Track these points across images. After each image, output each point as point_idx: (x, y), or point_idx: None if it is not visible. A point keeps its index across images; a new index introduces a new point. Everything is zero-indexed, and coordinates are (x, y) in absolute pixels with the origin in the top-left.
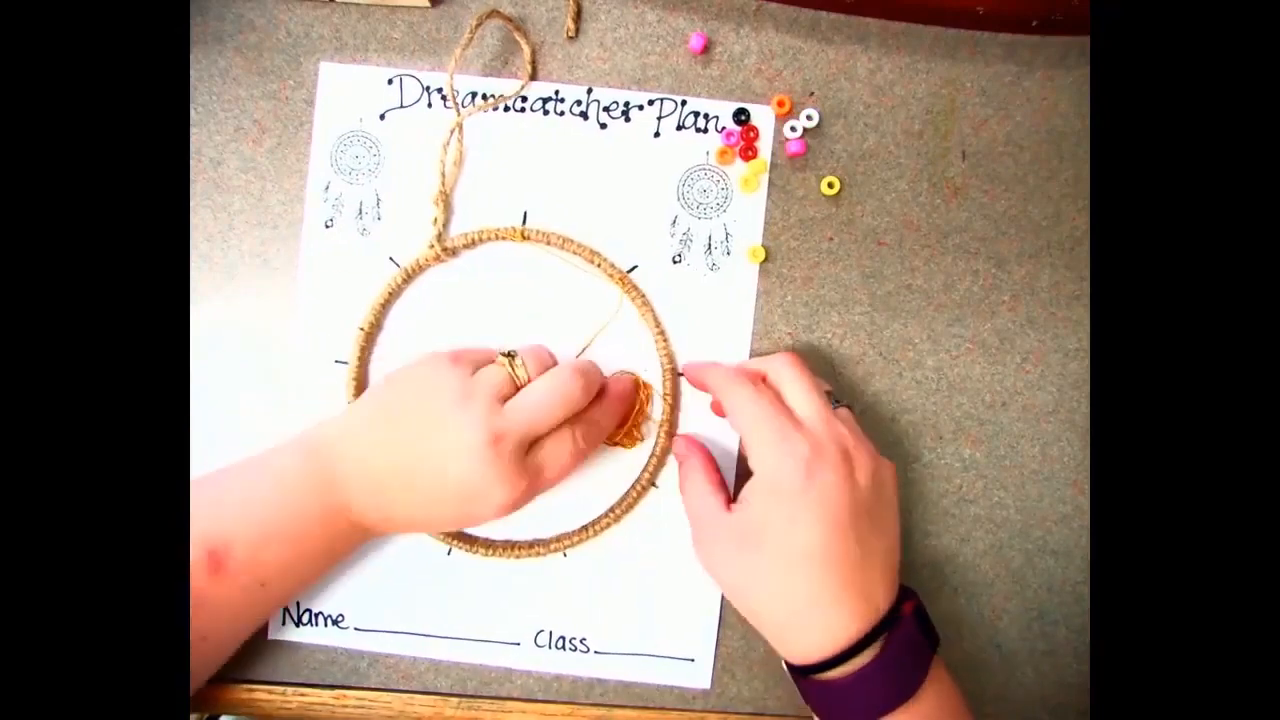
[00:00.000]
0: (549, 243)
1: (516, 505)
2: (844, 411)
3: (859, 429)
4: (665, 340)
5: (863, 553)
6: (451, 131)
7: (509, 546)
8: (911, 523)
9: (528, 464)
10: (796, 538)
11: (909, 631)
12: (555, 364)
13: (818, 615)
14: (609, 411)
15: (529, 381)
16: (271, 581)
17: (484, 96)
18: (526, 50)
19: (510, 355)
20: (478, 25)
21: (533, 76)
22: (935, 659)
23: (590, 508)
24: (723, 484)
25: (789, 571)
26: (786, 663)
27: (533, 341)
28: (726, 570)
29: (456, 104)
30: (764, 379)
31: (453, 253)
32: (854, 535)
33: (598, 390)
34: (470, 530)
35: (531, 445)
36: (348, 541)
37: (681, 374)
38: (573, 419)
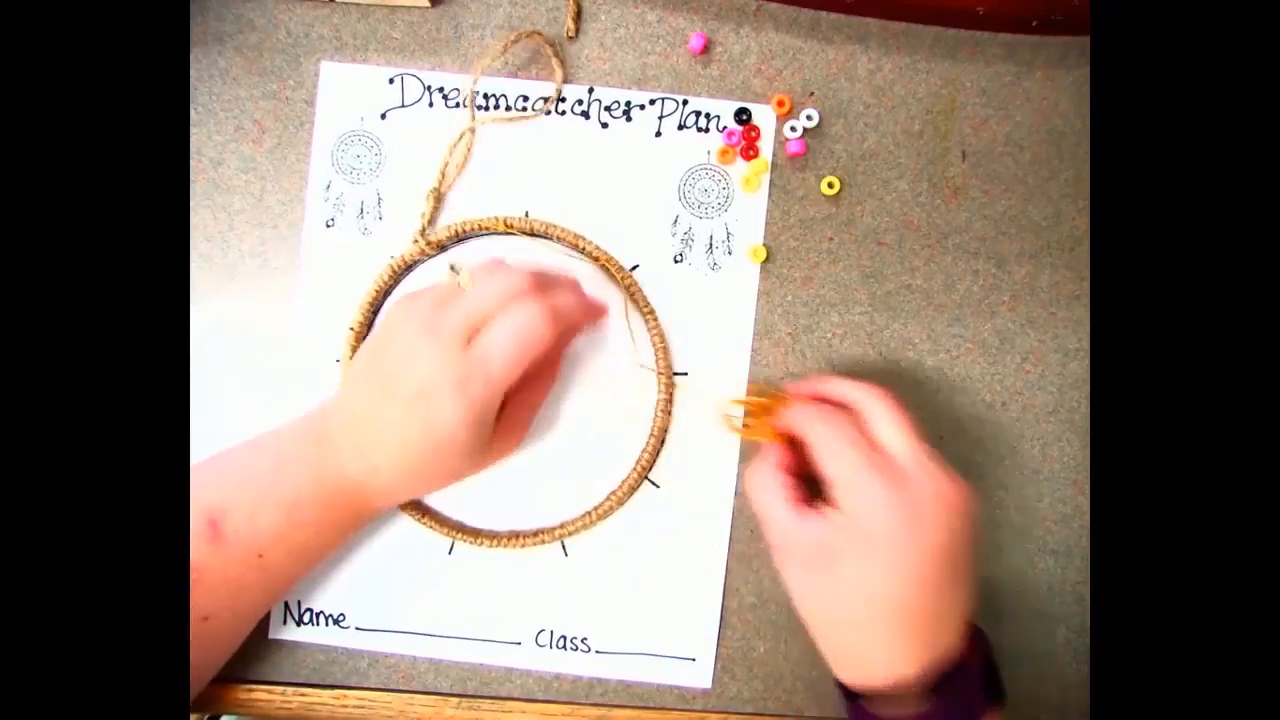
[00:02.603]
0: (533, 232)
1: (473, 398)
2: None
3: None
4: (663, 339)
5: (939, 606)
6: (461, 136)
7: (513, 537)
8: None
9: (471, 350)
10: (875, 585)
11: (969, 687)
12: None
13: (878, 652)
14: (569, 297)
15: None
16: (268, 552)
17: (499, 103)
18: (558, 69)
19: (454, 268)
20: (514, 41)
21: (565, 79)
22: (994, 714)
23: (589, 497)
24: (798, 483)
25: (858, 610)
26: (836, 678)
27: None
28: (792, 580)
29: (474, 111)
30: (847, 409)
31: (438, 246)
32: (935, 589)
33: (561, 285)
34: (473, 523)
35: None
36: (344, 510)
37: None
38: (523, 300)
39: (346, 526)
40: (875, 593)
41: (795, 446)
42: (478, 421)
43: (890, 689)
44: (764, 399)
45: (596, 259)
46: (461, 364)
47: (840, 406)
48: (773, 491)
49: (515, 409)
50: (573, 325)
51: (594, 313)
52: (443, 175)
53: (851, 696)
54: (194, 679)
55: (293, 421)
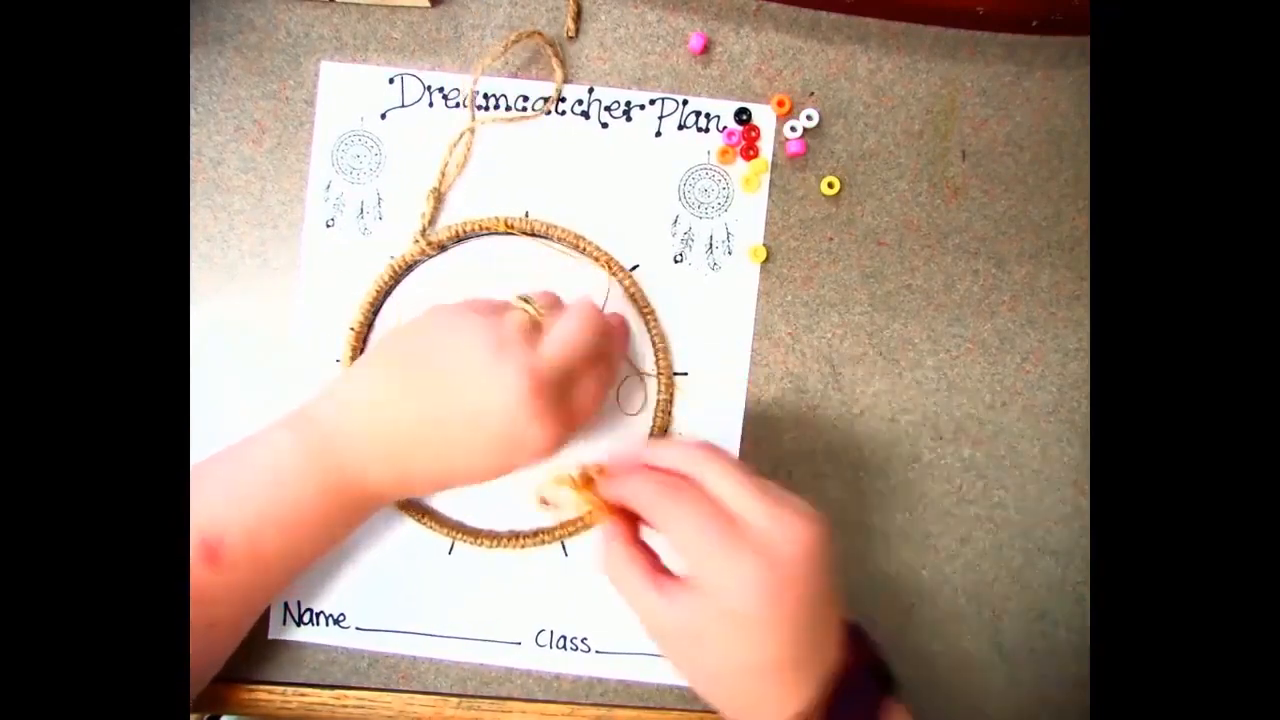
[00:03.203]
0: (534, 232)
1: (557, 445)
2: (772, 485)
3: (794, 496)
4: (663, 339)
5: (815, 639)
6: (461, 135)
7: (513, 537)
8: (911, 523)
9: (564, 404)
10: (750, 653)
11: (855, 687)
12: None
13: (764, 705)
14: (618, 344)
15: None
16: (272, 567)
17: (499, 103)
18: (559, 70)
19: (526, 299)
20: (515, 41)
21: (565, 79)
22: (889, 702)
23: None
24: (653, 557)
25: (738, 675)
26: None
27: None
28: (667, 653)
29: (474, 111)
30: (686, 478)
31: (439, 247)
32: (809, 632)
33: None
34: (473, 524)
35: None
36: (354, 514)
37: (592, 478)
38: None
39: (354, 525)
40: (751, 659)
41: (630, 517)
42: (549, 457)
43: None
44: (582, 477)
45: (596, 259)
46: (556, 421)
47: (675, 474)
48: (631, 574)
49: None
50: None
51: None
52: (442, 175)
53: None
54: (198, 678)
55: (284, 424)
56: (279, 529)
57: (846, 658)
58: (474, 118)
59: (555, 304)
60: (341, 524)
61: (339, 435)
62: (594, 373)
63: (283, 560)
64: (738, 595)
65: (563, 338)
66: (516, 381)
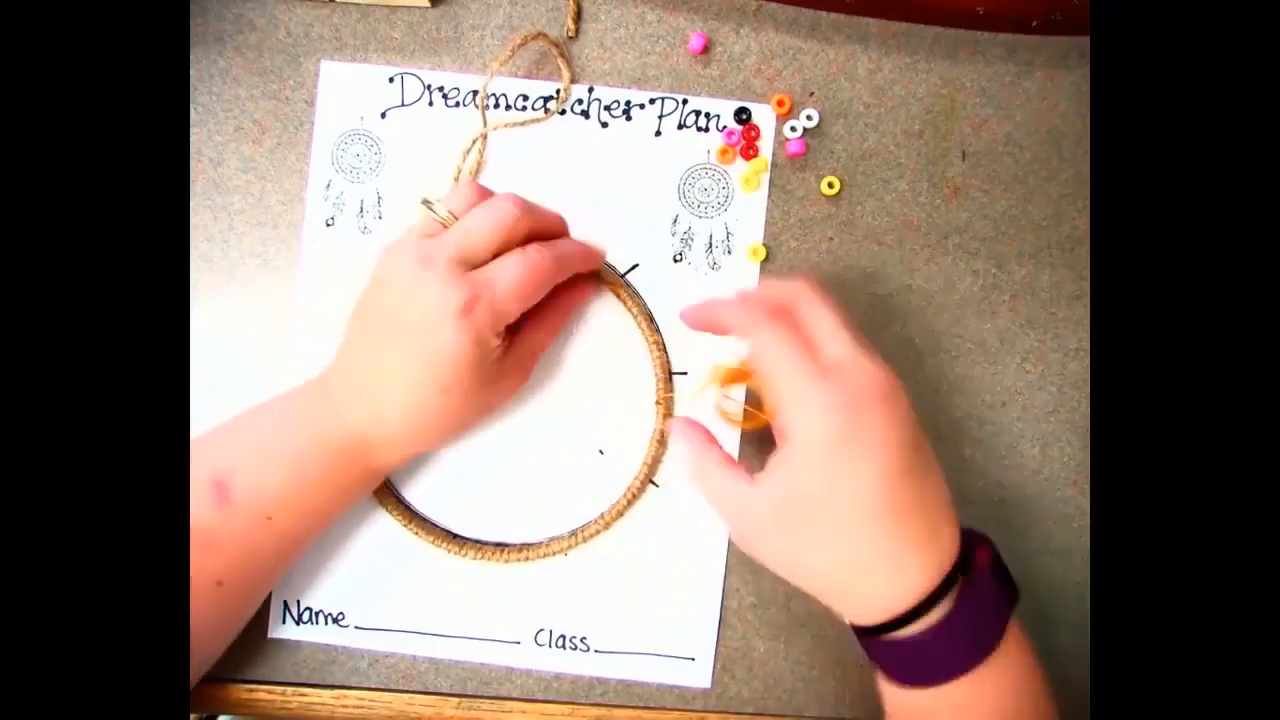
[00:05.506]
0: None
1: (476, 326)
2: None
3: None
4: (662, 339)
5: (920, 495)
6: (475, 141)
7: (499, 550)
8: None
9: (474, 276)
10: (847, 497)
11: (986, 580)
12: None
13: (882, 572)
14: (576, 243)
15: (454, 220)
16: (276, 514)
17: (499, 103)
18: (565, 71)
19: (426, 202)
20: (521, 43)
21: (572, 80)
22: (1014, 622)
23: (585, 511)
24: (732, 459)
25: (844, 534)
26: (851, 624)
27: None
28: (769, 548)
29: (485, 116)
30: (787, 311)
31: None
32: (909, 479)
33: (549, 220)
34: (461, 531)
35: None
36: (349, 466)
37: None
38: (532, 242)
39: (353, 485)
40: (854, 504)
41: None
42: (480, 350)
43: (909, 608)
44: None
45: (607, 278)
46: (463, 288)
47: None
48: (721, 472)
49: (520, 350)
50: (574, 268)
51: (592, 258)
52: (455, 182)
53: (873, 633)
54: (210, 646)
55: (302, 386)
56: (280, 469)
57: (970, 552)
58: (485, 123)
59: (471, 198)
60: (345, 481)
61: (333, 384)
62: (520, 250)
63: (285, 509)
64: (822, 427)
65: (461, 224)
66: (406, 264)
